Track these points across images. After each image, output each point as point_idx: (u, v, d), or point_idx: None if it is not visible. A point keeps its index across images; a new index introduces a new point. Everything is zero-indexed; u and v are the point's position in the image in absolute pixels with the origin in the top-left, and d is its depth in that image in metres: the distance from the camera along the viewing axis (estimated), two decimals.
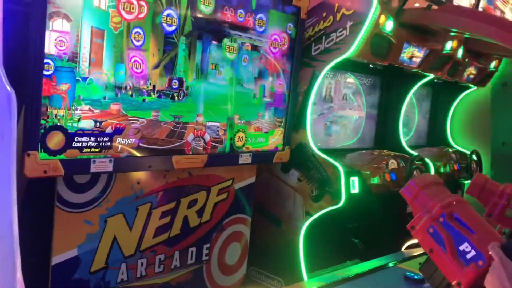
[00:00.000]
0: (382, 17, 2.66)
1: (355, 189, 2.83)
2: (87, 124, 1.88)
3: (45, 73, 1.73)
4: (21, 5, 1.71)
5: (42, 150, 1.77)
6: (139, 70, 2.01)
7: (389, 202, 3.16)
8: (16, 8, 1.69)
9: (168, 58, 2.11)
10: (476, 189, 1.77)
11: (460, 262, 1.24)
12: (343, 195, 2.76)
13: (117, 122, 1.98)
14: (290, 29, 2.65)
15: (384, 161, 3.04)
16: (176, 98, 2.17)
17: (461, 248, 1.26)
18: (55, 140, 1.81)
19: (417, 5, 3.19)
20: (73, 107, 1.83)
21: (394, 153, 3.24)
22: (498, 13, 3.49)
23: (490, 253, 1.14)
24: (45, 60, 1.73)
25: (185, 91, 2.20)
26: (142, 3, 1.96)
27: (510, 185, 1.53)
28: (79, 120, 1.86)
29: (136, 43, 1.98)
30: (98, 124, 1.92)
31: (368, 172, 2.93)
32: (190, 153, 2.29)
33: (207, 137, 2.35)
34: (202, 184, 2.55)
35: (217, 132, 2.40)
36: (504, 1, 3.55)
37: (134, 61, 1.99)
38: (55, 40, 1.74)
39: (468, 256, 1.23)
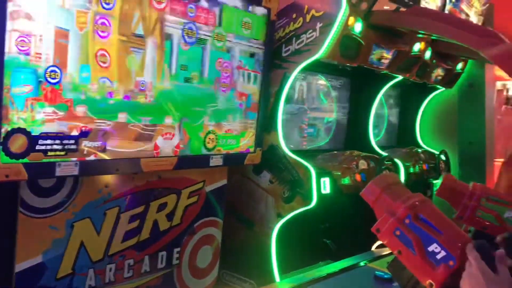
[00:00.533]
0: (351, 19, 2.68)
1: (326, 190, 2.84)
2: (51, 127, 1.83)
3: (5, 74, 1.67)
4: None
5: (3, 153, 1.71)
6: (105, 65, 1.96)
7: (359, 203, 3.15)
8: None
9: (137, 58, 2.07)
10: (445, 191, 1.79)
11: (431, 262, 1.24)
12: (314, 196, 2.77)
13: (83, 125, 1.92)
14: (260, 31, 2.65)
15: (354, 162, 3.06)
16: (144, 100, 2.13)
17: (430, 249, 1.26)
18: (18, 143, 1.75)
19: (386, 7, 3.24)
20: (36, 110, 1.78)
21: (364, 153, 3.27)
22: (463, 16, 3.57)
23: (469, 257, 1.14)
24: (5, 60, 1.67)
25: (153, 93, 2.16)
26: None
27: (478, 185, 1.55)
28: (42, 123, 1.80)
29: (102, 34, 1.93)
30: (63, 127, 1.86)
31: (339, 173, 2.95)
32: (159, 156, 2.25)
33: (176, 139, 2.32)
34: (172, 187, 2.51)
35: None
36: (469, 5, 3.63)
37: (101, 55, 1.94)
38: (16, 40, 1.69)
39: (438, 256, 1.24)
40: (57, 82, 1.82)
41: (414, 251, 1.27)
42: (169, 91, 2.23)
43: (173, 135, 2.30)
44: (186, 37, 2.27)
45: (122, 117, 2.06)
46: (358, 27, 2.75)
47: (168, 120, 2.26)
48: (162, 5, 2.13)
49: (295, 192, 2.82)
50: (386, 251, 2.43)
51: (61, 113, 1.85)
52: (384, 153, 3.52)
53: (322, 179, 2.83)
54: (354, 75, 3.61)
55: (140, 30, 2.07)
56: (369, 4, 2.77)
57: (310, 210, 2.82)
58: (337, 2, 2.65)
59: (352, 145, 3.68)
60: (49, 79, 1.79)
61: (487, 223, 1.54)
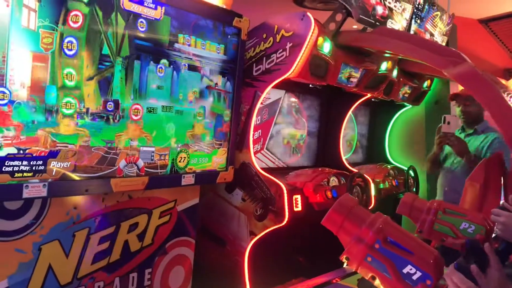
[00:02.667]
0: (320, 39, 2.74)
1: (299, 207, 2.86)
2: (9, 151, 1.77)
3: None
4: None
5: None
6: (72, 85, 1.93)
7: None
8: None
9: (103, 77, 2.06)
10: (405, 207, 1.84)
11: (408, 284, 1.27)
12: (286, 213, 2.78)
13: (43, 149, 1.87)
14: (231, 50, 2.67)
15: (325, 179, 3.10)
16: (111, 120, 2.11)
17: (405, 271, 1.28)
18: None
19: (354, 26, 3.32)
20: None
21: (335, 170, 3.31)
22: (428, 36, 3.69)
23: (454, 280, 1.15)
24: None
25: (120, 114, 2.14)
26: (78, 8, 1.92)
27: (436, 200, 1.61)
28: (0, 147, 1.75)
29: (69, 52, 1.91)
30: (21, 151, 1.80)
31: (311, 190, 2.97)
32: (129, 175, 2.23)
33: (141, 163, 2.28)
34: (143, 207, 2.48)
35: (152, 157, 2.34)
36: (433, 25, 3.76)
37: (67, 75, 1.92)
38: None
39: (414, 277, 1.26)
40: (20, 104, 1.78)
41: (390, 275, 1.29)
42: (136, 112, 2.22)
43: (137, 158, 2.26)
44: (161, 65, 2.29)
45: (85, 140, 2.01)
46: (327, 47, 2.81)
47: (133, 143, 2.23)
48: (135, 26, 2.14)
49: (267, 210, 2.83)
50: None
51: (22, 137, 1.79)
52: (354, 170, 3.58)
53: (294, 196, 2.85)
54: (324, 93, 3.67)
55: (106, 50, 2.05)
56: (337, 24, 2.84)
57: (282, 228, 2.83)
58: (306, 22, 2.70)
59: (323, 161, 3.73)
60: (12, 101, 1.76)
61: (444, 236, 1.59)
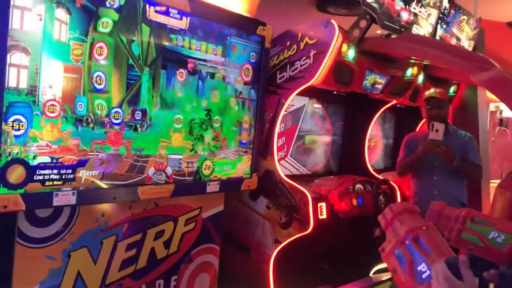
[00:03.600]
0: (344, 46, 2.73)
1: (323, 215, 2.85)
2: (43, 160, 1.82)
3: (3, 107, 1.69)
4: None
5: (1, 184, 1.72)
6: (100, 87, 1.97)
7: (357, 227, 3.20)
8: None
9: (131, 88, 2.10)
10: (434, 216, 1.81)
11: (416, 281, 1.29)
12: (311, 221, 2.77)
13: (75, 158, 1.92)
14: (254, 58, 2.69)
15: (351, 186, 3.08)
16: (139, 129, 2.15)
17: (419, 268, 1.31)
18: (16, 173, 1.76)
19: (378, 32, 3.31)
20: (29, 144, 1.77)
21: (361, 177, 3.28)
22: (454, 41, 3.64)
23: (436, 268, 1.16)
24: (5, 94, 1.69)
25: (148, 122, 2.18)
26: (106, 19, 1.96)
27: (465, 209, 1.58)
28: (34, 157, 1.79)
29: (98, 63, 1.96)
30: (54, 160, 1.85)
31: (336, 198, 2.95)
32: (156, 183, 2.26)
33: (169, 170, 2.32)
34: (169, 214, 2.51)
35: (180, 165, 2.37)
36: (460, 29, 3.71)
37: (97, 77, 1.96)
38: (13, 74, 1.71)
39: (424, 275, 1.28)
40: (53, 115, 1.83)
41: (406, 270, 1.32)
42: (164, 120, 2.25)
43: (166, 166, 2.29)
44: (187, 74, 2.32)
45: (115, 148, 2.06)
46: (351, 53, 2.81)
47: (162, 151, 2.26)
48: (161, 36, 2.18)
49: (292, 218, 2.82)
50: (384, 276, 2.42)
51: (54, 147, 1.84)
52: (380, 177, 3.54)
53: (319, 204, 2.84)
54: (348, 99, 3.65)
55: (138, 60, 2.10)
56: (362, 31, 2.83)
57: (307, 235, 2.82)
58: (330, 30, 2.70)
59: (347, 168, 3.71)
60: (47, 113, 1.81)
61: (472, 245, 1.57)
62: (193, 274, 2.68)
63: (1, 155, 1.71)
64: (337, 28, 2.71)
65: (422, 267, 1.30)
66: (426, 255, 1.31)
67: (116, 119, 2.05)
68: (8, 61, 1.68)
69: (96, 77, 1.96)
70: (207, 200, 2.70)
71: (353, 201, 2.98)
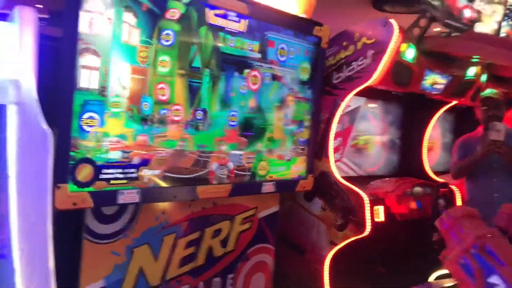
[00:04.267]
0: (403, 46, 2.68)
1: (380, 217, 2.80)
2: (115, 155, 1.92)
3: (76, 106, 1.79)
4: (53, 41, 1.78)
5: (71, 182, 1.81)
6: (164, 97, 2.05)
7: (415, 230, 3.12)
8: (48, 44, 1.75)
9: (193, 90, 2.16)
10: (502, 219, 1.74)
11: None
12: (368, 224, 2.73)
13: (144, 152, 2.01)
14: (311, 59, 2.69)
15: (409, 189, 3.01)
16: (200, 128, 2.21)
17: (491, 280, 1.24)
18: (84, 172, 1.85)
19: (437, 29, 3.20)
20: (102, 140, 1.88)
21: (419, 180, 3.20)
22: None
23: None
24: (76, 94, 1.78)
25: (209, 121, 2.24)
26: (168, 32, 2.03)
27: None
28: (107, 151, 1.90)
29: (162, 65, 2.03)
30: (125, 154, 1.95)
31: (393, 200, 2.89)
32: (214, 181, 2.31)
33: (231, 165, 2.37)
34: (226, 214, 2.56)
35: (240, 160, 2.42)
36: None
37: (160, 89, 2.04)
38: (85, 75, 1.80)
39: None
40: (120, 113, 1.92)
41: (475, 281, 1.26)
42: (223, 119, 2.30)
43: (227, 161, 2.36)
44: (245, 75, 2.37)
45: (180, 144, 2.15)
46: (410, 53, 2.74)
47: (223, 147, 2.32)
48: (220, 39, 2.22)
49: (348, 220, 2.79)
50: (445, 283, 2.35)
51: (124, 142, 1.94)
52: (439, 179, 3.43)
53: (376, 207, 2.79)
54: (406, 100, 3.57)
55: (197, 63, 2.16)
56: (421, 30, 2.75)
57: (363, 238, 2.78)
58: (389, 29, 2.65)
59: (405, 170, 3.62)
60: (113, 110, 1.89)
61: None
62: (249, 273, 2.71)
63: (76, 152, 1.80)
64: (396, 27, 2.65)
65: (494, 279, 1.23)
66: (499, 267, 1.24)
67: (179, 117, 2.12)
68: (80, 63, 1.78)
69: (160, 88, 2.03)
70: (262, 200, 2.72)
71: (411, 204, 2.92)
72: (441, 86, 3.08)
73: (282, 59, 2.53)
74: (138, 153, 2.00)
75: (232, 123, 2.36)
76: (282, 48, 2.52)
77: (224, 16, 2.25)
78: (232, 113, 2.35)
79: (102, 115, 1.87)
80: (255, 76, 2.41)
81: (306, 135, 2.75)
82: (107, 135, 1.89)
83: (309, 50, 2.68)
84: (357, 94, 2.96)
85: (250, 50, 2.37)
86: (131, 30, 1.91)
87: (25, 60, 1.48)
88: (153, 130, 2.04)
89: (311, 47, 2.69)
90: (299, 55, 2.62)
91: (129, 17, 1.90)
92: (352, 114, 3.33)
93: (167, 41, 2.03)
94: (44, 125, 1.20)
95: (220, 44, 2.24)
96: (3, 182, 1.46)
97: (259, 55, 2.41)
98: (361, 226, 2.75)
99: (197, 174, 2.24)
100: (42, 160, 1.19)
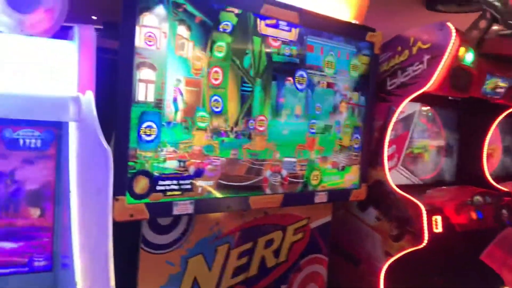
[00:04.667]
0: (462, 49, 2.57)
1: (439, 228, 2.69)
2: (171, 164, 1.95)
3: (133, 119, 1.82)
4: (106, 52, 1.83)
5: (129, 194, 1.85)
6: (218, 109, 2.07)
7: (475, 242, 2.97)
8: (105, 56, 1.80)
9: (245, 99, 2.16)
10: None
11: None
12: (425, 235, 2.63)
13: (199, 161, 2.03)
14: (363, 65, 2.63)
15: (469, 198, 2.87)
16: (254, 137, 2.20)
17: None
18: (141, 184, 1.88)
19: (495, 27, 3.06)
20: (159, 150, 1.91)
21: (479, 188, 3.06)
22: None
23: None
24: (133, 107, 1.82)
25: (263, 131, 2.23)
26: (220, 44, 2.04)
27: None
28: (164, 160, 1.93)
29: (215, 77, 2.05)
30: (182, 163, 1.97)
31: (452, 210, 2.77)
32: (268, 189, 2.30)
33: (284, 172, 2.35)
34: (278, 224, 2.54)
35: (294, 168, 2.39)
36: None
37: (215, 101, 2.06)
38: (142, 88, 1.84)
39: None
40: (176, 125, 1.95)
41: None
42: (276, 128, 2.29)
43: (281, 169, 2.34)
44: (296, 83, 2.34)
45: (233, 153, 2.16)
46: (469, 57, 2.62)
47: (276, 155, 2.31)
48: (271, 49, 2.21)
49: (404, 231, 2.70)
50: None
51: (180, 152, 1.97)
52: (502, 187, 3.26)
53: (434, 217, 2.69)
54: (463, 105, 3.42)
55: (250, 73, 2.16)
56: (481, 32, 2.64)
57: (420, 249, 2.68)
58: (446, 32, 2.55)
59: (463, 178, 3.47)
60: (169, 122, 1.92)
61: None
62: (302, 283, 2.68)
63: (134, 163, 1.84)
64: (453, 30, 2.55)
65: None
66: None
67: (232, 127, 2.13)
68: (137, 77, 1.81)
69: (214, 101, 2.04)
70: (315, 210, 2.68)
71: (471, 214, 2.79)
72: (502, 90, 2.93)
73: (333, 65, 2.49)
74: (194, 162, 2.01)
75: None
76: (334, 55, 2.48)
77: (275, 26, 2.24)
78: (285, 121, 2.33)
79: (159, 127, 1.90)
80: (306, 83, 2.39)
81: (360, 142, 2.69)
82: (164, 146, 1.92)
83: (362, 56, 2.62)
84: (412, 100, 2.86)
85: (301, 58, 2.34)
86: (185, 43, 1.93)
87: (85, 77, 1.52)
88: (209, 139, 2.05)
89: (364, 53, 2.63)
90: (351, 61, 2.57)
91: (183, 30, 1.92)
92: (406, 121, 3.22)
93: (219, 52, 2.04)
94: (104, 143, 1.22)
95: (271, 54, 2.23)
96: (65, 197, 1.51)
97: (310, 63, 2.38)
98: (418, 237, 2.66)
99: (251, 181, 2.24)
100: (102, 176, 1.21)
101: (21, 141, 1.60)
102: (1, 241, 1.58)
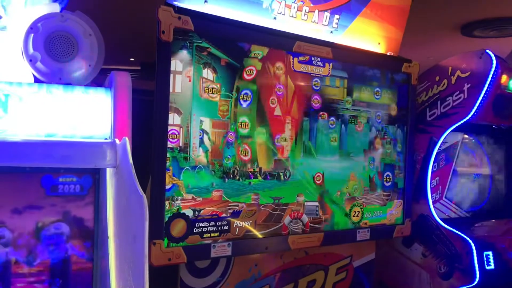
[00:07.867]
0: (504, 77, 2.48)
1: (490, 265, 2.53)
2: (188, 213, 1.89)
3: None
4: (139, 93, 1.85)
5: (166, 238, 1.83)
6: (246, 158, 2.04)
7: None
8: (142, 98, 1.82)
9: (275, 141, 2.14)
10: None
11: None
12: (476, 272, 2.48)
13: (215, 209, 1.96)
14: (401, 97, 2.57)
15: None
16: (282, 178, 2.15)
17: None
18: (178, 227, 1.87)
19: None
20: (174, 198, 1.86)
21: None
22: None
23: None
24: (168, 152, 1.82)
25: (291, 171, 2.17)
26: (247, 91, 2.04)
27: None
28: (177, 210, 1.87)
29: (243, 132, 2.03)
30: (196, 213, 1.91)
31: (504, 245, 2.62)
32: (307, 232, 2.22)
33: (305, 218, 2.25)
34: (320, 263, 2.45)
35: (317, 212, 2.29)
36: None
37: (244, 150, 2.04)
38: (168, 133, 1.83)
39: None
40: (202, 169, 1.92)
41: None
42: (307, 167, 2.23)
43: (301, 214, 2.23)
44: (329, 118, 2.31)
45: (254, 198, 2.07)
46: None
47: (300, 198, 2.22)
48: (304, 85, 2.20)
49: (453, 268, 2.56)
50: None
51: (198, 199, 1.91)
52: None
53: (485, 253, 2.54)
54: (509, 132, 3.27)
55: (278, 111, 2.13)
56: None
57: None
58: (486, 60, 2.48)
59: None
60: (194, 166, 1.90)
61: None
62: None
63: (171, 207, 1.83)
64: (494, 58, 2.47)
65: None
66: None
67: (259, 168, 2.08)
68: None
69: (244, 149, 2.04)
70: (357, 247, 2.59)
71: None
72: None
73: (369, 99, 2.44)
74: (209, 209, 1.94)
75: (318, 171, 2.29)
76: (369, 88, 2.44)
77: (309, 62, 2.22)
78: (317, 159, 2.27)
79: (179, 171, 1.86)
80: (340, 120, 2.34)
81: (397, 178, 2.60)
82: (179, 194, 1.87)
83: (398, 87, 2.56)
84: (453, 129, 2.76)
85: (335, 93, 2.31)
86: (210, 85, 1.94)
87: (121, 123, 1.53)
88: (234, 184, 2.00)
89: (400, 85, 2.57)
90: (387, 94, 2.52)
91: (208, 73, 1.93)
92: (449, 151, 3.10)
93: (245, 101, 2.04)
94: (139, 189, 1.22)
95: (304, 91, 2.21)
96: (104, 242, 1.51)
97: (345, 97, 2.35)
98: (469, 274, 2.51)
99: (268, 230, 2.12)
100: (138, 222, 1.20)
101: (61, 187, 1.62)
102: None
